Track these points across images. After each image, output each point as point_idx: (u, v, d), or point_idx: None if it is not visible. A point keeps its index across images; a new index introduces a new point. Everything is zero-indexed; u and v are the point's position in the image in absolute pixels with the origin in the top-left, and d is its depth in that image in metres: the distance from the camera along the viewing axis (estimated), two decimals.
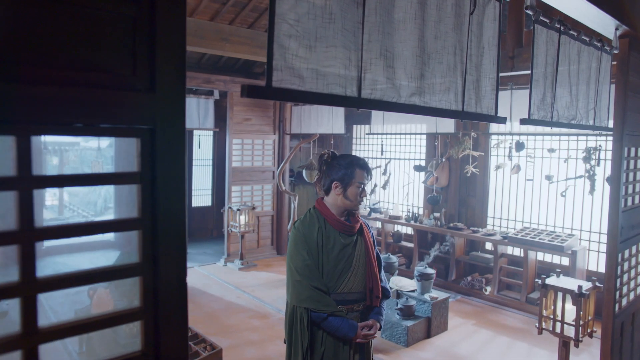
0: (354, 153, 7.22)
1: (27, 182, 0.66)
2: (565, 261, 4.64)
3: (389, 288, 2.03)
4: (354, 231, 1.92)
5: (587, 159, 4.47)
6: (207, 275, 5.78)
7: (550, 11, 2.05)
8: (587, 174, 4.49)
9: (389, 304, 4.30)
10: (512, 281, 4.94)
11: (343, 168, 1.86)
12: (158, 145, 0.78)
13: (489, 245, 5.33)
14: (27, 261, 0.66)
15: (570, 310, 2.75)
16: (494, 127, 5.31)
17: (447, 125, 5.36)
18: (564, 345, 2.81)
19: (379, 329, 1.92)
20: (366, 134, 6.91)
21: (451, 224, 5.43)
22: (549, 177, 4.85)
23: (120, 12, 0.75)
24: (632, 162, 2.56)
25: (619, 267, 2.47)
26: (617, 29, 2.35)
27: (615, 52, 2.42)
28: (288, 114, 6.84)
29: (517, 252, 4.99)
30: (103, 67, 0.74)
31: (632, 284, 2.70)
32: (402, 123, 6.20)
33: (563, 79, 2.13)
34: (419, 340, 3.95)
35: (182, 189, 0.82)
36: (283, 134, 6.80)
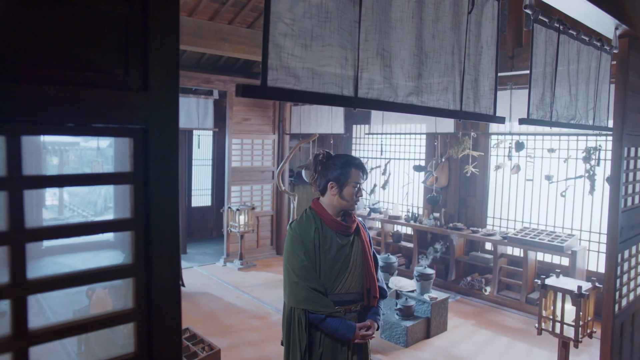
0: (353, 153, 7.21)
1: (17, 183, 0.66)
2: (565, 261, 4.63)
3: (385, 288, 2.02)
4: (350, 231, 1.91)
5: (587, 159, 4.46)
6: (206, 276, 5.77)
7: (550, 10, 2.04)
8: (587, 174, 4.48)
9: (389, 304, 4.29)
10: (512, 281, 4.93)
11: (339, 168, 1.85)
12: (151, 146, 0.78)
13: (488, 246, 5.32)
14: (17, 262, 0.66)
15: (570, 310, 2.74)
16: (493, 127, 5.31)
17: (447, 125, 5.35)
18: (564, 346, 2.80)
19: (377, 329, 1.91)
20: (366, 133, 6.90)
21: (451, 224, 5.42)
22: (548, 177, 4.84)
23: (113, 10, 0.74)
24: (632, 162, 2.55)
25: (619, 268, 2.46)
26: (616, 28, 2.34)
27: (615, 51, 2.41)
28: (288, 114, 6.83)
29: (517, 252, 4.98)
30: (95, 66, 0.73)
31: (632, 284, 2.69)
32: (401, 123, 6.19)
33: (562, 78, 2.12)
34: (418, 341, 3.95)
35: (175, 190, 0.81)
36: (283, 133, 6.80)
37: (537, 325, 2.84)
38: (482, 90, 1.59)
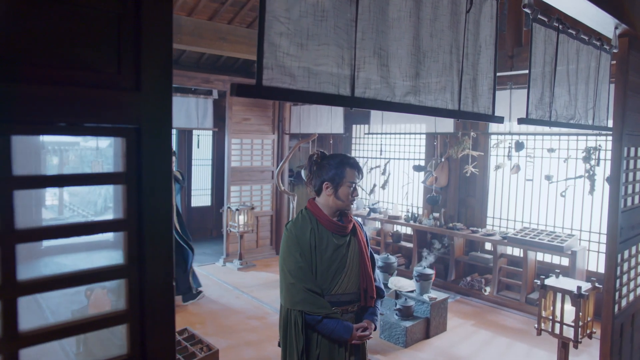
0: (353, 153, 7.21)
1: (7, 183, 0.65)
2: (565, 261, 4.62)
3: (383, 288, 2.01)
4: (346, 231, 1.90)
5: (587, 159, 4.45)
6: (206, 276, 5.76)
7: (549, 10, 2.03)
8: (586, 174, 4.47)
9: (388, 304, 4.28)
10: (512, 281, 4.93)
11: (333, 168, 1.84)
12: (144, 145, 0.77)
13: (488, 246, 5.31)
14: (7, 264, 0.65)
15: (570, 311, 2.73)
16: (493, 126, 5.30)
17: (447, 125, 5.34)
18: (563, 347, 2.79)
19: (374, 329, 1.90)
20: (365, 133, 6.89)
21: (450, 224, 5.41)
22: (548, 177, 4.83)
23: (105, 9, 0.73)
24: (631, 162, 2.54)
25: (619, 268, 2.45)
26: (616, 27, 2.33)
27: (615, 51, 2.40)
28: (287, 114, 6.82)
29: (517, 252, 4.97)
30: (87, 65, 0.72)
31: (632, 284, 2.68)
32: (401, 123, 6.18)
33: (562, 78, 2.11)
34: (417, 341, 3.94)
35: (168, 190, 0.80)
36: (282, 133, 6.79)
37: (536, 325, 2.83)
38: (481, 90, 1.58)
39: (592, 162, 4.43)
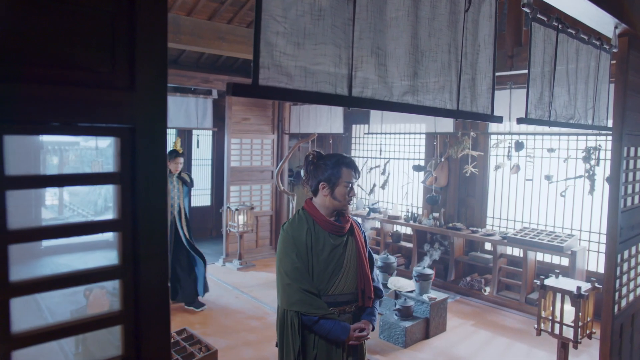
0: (352, 153, 7.20)
1: None
2: (565, 261, 4.61)
3: (381, 287, 2.00)
4: (344, 231, 1.89)
5: (586, 159, 4.44)
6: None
7: (549, 9, 2.02)
8: (586, 174, 4.46)
9: (387, 304, 4.28)
10: (512, 282, 4.92)
11: (329, 168, 1.83)
12: (138, 145, 0.76)
13: (488, 246, 5.30)
14: (0, 265, 0.64)
15: (569, 311, 2.72)
16: (493, 126, 5.29)
17: (446, 124, 5.33)
18: (563, 347, 2.78)
19: (372, 330, 1.89)
20: (365, 133, 6.88)
21: (450, 224, 5.41)
22: (548, 177, 4.83)
23: (99, 7, 0.73)
24: (631, 162, 2.53)
25: (619, 268, 2.45)
26: (616, 27, 2.33)
27: (615, 50, 2.39)
28: (287, 114, 6.82)
29: (517, 252, 4.96)
30: (81, 64, 0.72)
31: (632, 285, 2.67)
32: (401, 122, 6.17)
33: (561, 77, 2.10)
34: (417, 341, 3.93)
35: (163, 190, 0.80)
36: (282, 133, 6.78)
37: (536, 325, 2.83)
38: (480, 90, 1.58)
39: (592, 162, 4.42)
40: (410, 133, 6.29)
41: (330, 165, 1.83)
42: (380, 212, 6.32)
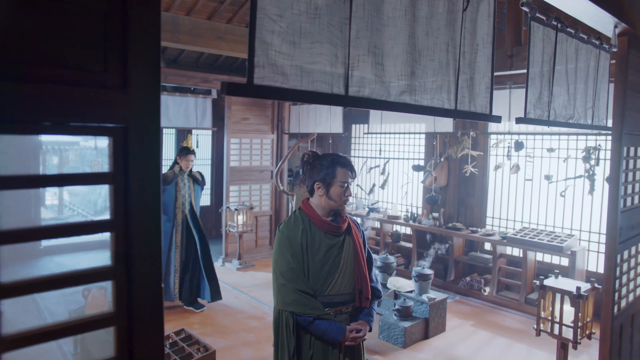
0: (352, 152, 7.19)
1: None
2: (565, 262, 4.60)
3: (380, 288, 1.99)
4: (340, 231, 1.87)
5: (586, 159, 4.43)
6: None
7: (549, 9, 2.01)
8: (586, 174, 4.45)
9: (387, 304, 4.27)
10: (511, 282, 4.91)
11: (324, 168, 1.82)
12: (131, 145, 0.76)
13: (488, 246, 5.29)
14: None
15: (569, 311, 2.71)
16: (493, 126, 5.28)
17: (446, 124, 5.32)
18: (562, 347, 2.78)
19: (369, 331, 1.88)
20: (364, 133, 6.88)
21: (450, 224, 5.40)
22: (548, 177, 4.82)
23: (91, 5, 0.72)
24: (631, 161, 2.52)
25: (618, 269, 2.44)
26: (615, 26, 2.32)
27: (614, 50, 2.38)
28: (286, 114, 6.81)
29: (516, 252, 4.95)
30: (72, 63, 0.71)
31: (632, 285, 2.66)
32: (400, 122, 6.16)
33: (560, 77, 2.09)
34: (416, 342, 3.92)
35: (157, 190, 0.79)
36: (281, 133, 6.77)
37: (535, 326, 2.82)
38: (478, 89, 1.57)
39: (592, 162, 4.41)
40: (409, 133, 6.28)
41: (325, 165, 1.82)
42: (379, 212, 6.31)
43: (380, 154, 6.41)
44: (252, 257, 6.41)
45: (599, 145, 4.45)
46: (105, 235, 0.81)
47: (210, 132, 7.95)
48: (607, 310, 2.40)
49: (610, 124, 2.49)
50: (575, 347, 2.68)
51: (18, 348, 0.66)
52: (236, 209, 5.93)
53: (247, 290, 5.21)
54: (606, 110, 2.67)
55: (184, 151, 4.54)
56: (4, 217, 0.67)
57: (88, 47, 0.72)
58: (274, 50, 0.94)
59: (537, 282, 2.80)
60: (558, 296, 2.72)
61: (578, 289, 2.65)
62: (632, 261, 2.64)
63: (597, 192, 4.48)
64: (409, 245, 5.88)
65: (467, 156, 5.25)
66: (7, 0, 0.65)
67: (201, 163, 8.21)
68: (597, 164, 4.42)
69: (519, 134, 5.00)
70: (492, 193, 5.46)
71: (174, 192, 4.50)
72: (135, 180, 0.76)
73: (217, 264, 6.24)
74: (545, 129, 4.45)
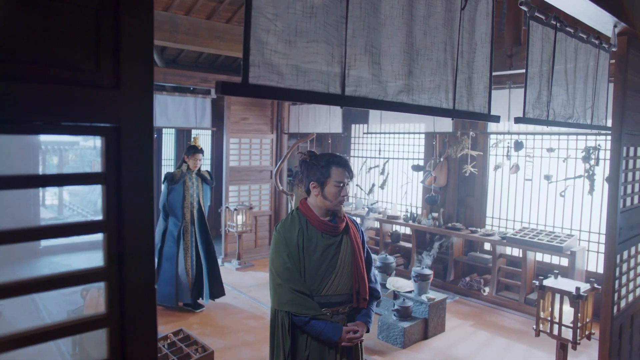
0: (352, 152, 7.18)
1: None
2: (565, 262, 4.59)
3: (378, 288, 1.98)
4: (338, 231, 1.86)
5: (586, 159, 4.42)
6: None
7: (548, 8, 2.01)
8: (586, 174, 4.44)
9: (386, 304, 4.26)
10: (511, 282, 4.90)
11: (320, 168, 1.82)
12: (124, 144, 0.75)
13: (487, 246, 5.29)
14: None
15: (568, 312, 2.70)
16: (492, 126, 5.27)
17: (446, 124, 5.31)
18: (562, 348, 2.77)
19: (367, 332, 1.87)
20: (364, 133, 6.87)
21: (449, 224, 5.39)
22: (548, 177, 4.81)
23: (83, 3, 0.71)
24: (630, 161, 2.51)
25: (618, 269, 2.43)
26: (615, 26, 2.31)
27: (614, 50, 2.38)
28: (286, 113, 6.80)
29: (516, 252, 4.94)
30: (64, 62, 0.70)
31: (631, 285, 2.65)
32: (400, 122, 6.15)
33: (559, 77, 2.09)
34: (415, 342, 3.91)
35: (149, 190, 0.78)
36: (281, 133, 6.76)
37: (535, 326, 2.81)
38: (476, 89, 1.56)
39: (592, 162, 4.40)
40: (409, 133, 6.27)
41: (321, 165, 1.82)
42: (379, 212, 6.30)
43: (379, 153, 6.40)
44: (251, 257, 6.40)
45: (599, 145, 4.44)
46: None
47: (209, 132, 7.94)
48: (607, 310, 2.39)
49: (609, 123, 2.48)
50: (574, 348, 2.67)
51: (10, 350, 0.65)
52: (235, 209, 5.93)
53: (246, 291, 5.20)
54: (605, 110, 2.67)
55: (191, 150, 4.45)
56: (2, 217, 0.66)
57: (80, 46, 0.71)
58: (270, 50, 0.93)
59: (537, 283, 2.79)
60: (557, 296, 2.71)
61: (577, 289, 2.64)
62: (632, 261, 2.63)
63: (596, 192, 4.47)
64: (409, 245, 5.87)
65: (467, 156, 5.24)
66: None
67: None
68: (597, 164, 4.41)
69: (518, 133, 4.99)
70: (491, 193, 5.45)
71: (181, 191, 4.39)
72: (128, 181, 0.76)
73: None
74: (545, 128, 4.45)
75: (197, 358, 2.83)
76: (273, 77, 0.94)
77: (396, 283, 4.33)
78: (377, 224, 6.30)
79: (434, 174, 5.53)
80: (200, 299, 4.58)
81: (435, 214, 5.50)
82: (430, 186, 5.59)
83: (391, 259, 4.70)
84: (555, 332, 2.72)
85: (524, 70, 1.86)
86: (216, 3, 4.73)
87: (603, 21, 2.24)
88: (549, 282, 2.81)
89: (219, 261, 6.22)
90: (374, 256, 4.20)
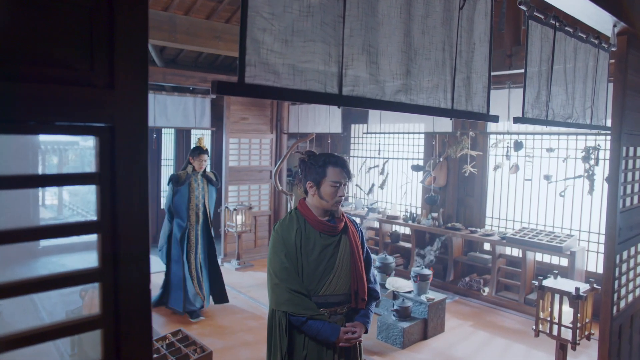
0: (351, 152, 7.17)
1: None
2: (564, 262, 4.58)
3: (378, 289, 1.97)
4: (336, 231, 1.86)
5: (586, 159, 4.42)
6: None
7: (547, 8, 2.00)
8: (586, 174, 4.43)
9: (386, 305, 4.25)
10: (511, 282, 4.89)
11: (317, 167, 1.81)
12: (118, 144, 0.74)
13: (487, 246, 5.28)
14: None
15: (568, 312, 2.70)
16: (492, 126, 5.26)
17: (445, 124, 5.31)
18: (561, 348, 2.76)
19: (366, 332, 1.86)
20: (364, 133, 6.86)
21: (449, 224, 5.38)
22: (547, 177, 4.80)
23: (76, 2, 0.71)
24: (630, 161, 2.50)
25: (617, 269, 2.42)
26: (615, 26, 2.30)
27: (613, 49, 2.37)
28: (285, 113, 6.79)
29: (516, 252, 4.94)
30: (58, 61, 0.70)
31: (631, 285, 2.65)
32: (399, 122, 6.14)
33: (559, 76, 2.08)
34: (415, 342, 3.91)
35: (144, 191, 0.77)
36: (280, 133, 6.76)
37: (534, 326, 2.80)
38: (475, 88, 1.55)
39: (592, 162, 4.39)
40: (409, 133, 6.26)
41: (318, 165, 1.81)
42: (378, 212, 6.29)
43: (379, 153, 6.39)
44: (250, 257, 6.40)
45: (599, 145, 4.43)
46: None
47: (209, 132, 7.94)
48: (606, 311, 2.38)
49: (609, 123, 2.47)
50: (574, 348, 2.67)
51: (3, 352, 0.65)
52: (235, 209, 5.92)
53: (245, 291, 5.19)
54: (605, 110, 2.66)
55: (197, 151, 4.36)
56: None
57: (73, 45, 0.71)
58: (266, 49, 0.92)
59: (536, 283, 2.79)
60: (557, 297, 2.70)
61: (577, 289, 2.63)
62: (632, 262, 2.63)
63: (596, 192, 4.47)
64: (408, 245, 5.86)
65: (467, 156, 5.24)
66: None
67: None
68: (597, 164, 4.40)
69: (518, 133, 4.98)
70: (491, 193, 5.45)
71: (187, 193, 4.28)
72: (122, 181, 0.75)
73: None
74: (545, 128, 4.44)
75: (195, 358, 2.83)
76: (269, 76, 0.93)
77: (395, 283, 4.33)
78: (376, 224, 6.30)
79: (433, 174, 5.52)
80: (202, 307, 4.46)
81: (434, 214, 5.50)
82: (429, 186, 5.58)
83: (391, 259, 4.69)
84: (555, 332, 2.71)
85: (523, 70, 1.86)
86: (215, 3, 4.72)
87: (602, 21, 2.23)
88: (549, 282, 2.80)
89: (219, 261, 6.23)
90: (373, 256, 4.19)
